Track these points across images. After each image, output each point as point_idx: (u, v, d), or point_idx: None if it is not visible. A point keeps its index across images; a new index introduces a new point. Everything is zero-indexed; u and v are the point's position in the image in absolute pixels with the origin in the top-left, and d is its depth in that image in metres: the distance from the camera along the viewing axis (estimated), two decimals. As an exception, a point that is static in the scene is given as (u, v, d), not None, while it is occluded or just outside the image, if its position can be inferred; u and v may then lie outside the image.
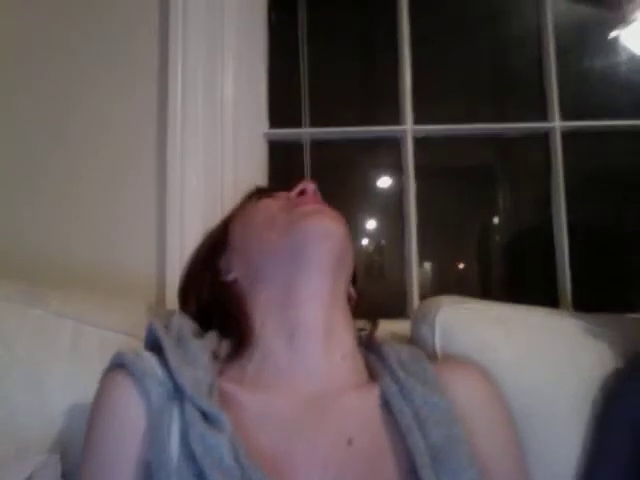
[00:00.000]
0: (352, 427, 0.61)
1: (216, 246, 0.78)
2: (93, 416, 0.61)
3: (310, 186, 0.75)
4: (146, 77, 1.18)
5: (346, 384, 0.66)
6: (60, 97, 1.18)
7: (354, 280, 0.79)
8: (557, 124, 1.30)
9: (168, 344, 0.63)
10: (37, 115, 1.18)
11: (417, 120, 1.31)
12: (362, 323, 0.78)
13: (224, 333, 0.70)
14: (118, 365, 0.62)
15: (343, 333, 0.69)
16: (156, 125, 1.16)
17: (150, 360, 0.62)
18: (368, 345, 0.75)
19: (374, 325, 0.78)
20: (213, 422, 0.55)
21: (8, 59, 1.19)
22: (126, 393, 0.60)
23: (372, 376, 0.68)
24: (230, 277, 0.74)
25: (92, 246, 1.14)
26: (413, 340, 0.84)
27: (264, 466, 0.54)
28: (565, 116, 1.31)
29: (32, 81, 1.19)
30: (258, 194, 0.80)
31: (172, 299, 0.82)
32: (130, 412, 0.59)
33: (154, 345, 0.65)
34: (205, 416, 0.56)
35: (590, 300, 1.25)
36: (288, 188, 0.78)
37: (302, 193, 0.76)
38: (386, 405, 0.64)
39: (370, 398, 0.65)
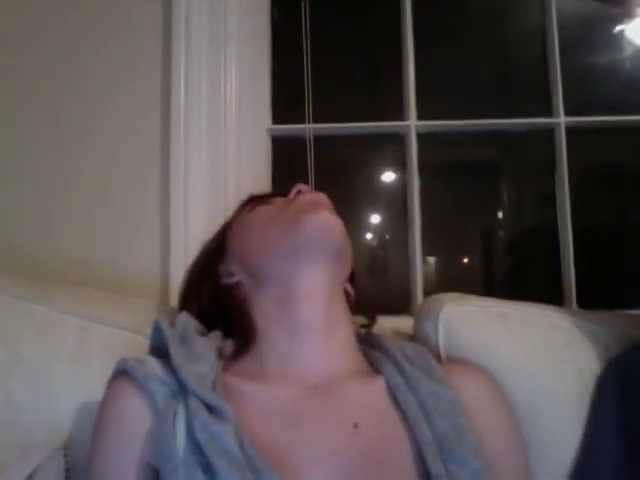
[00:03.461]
0: (357, 413, 0.62)
1: (214, 254, 0.78)
2: (98, 425, 0.61)
3: (305, 187, 0.76)
4: (149, 74, 1.18)
5: (348, 373, 0.66)
6: (66, 95, 1.19)
7: (352, 279, 0.79)
8: (562, 120, 1.30)
9: (173, 341, 0.64)
10: (46, 120, 1.18)
11: (420, 116, 1.30)
12: (361, 320, 0.79)
13: (228, 333, 0.71)
14: (121, 372, 0.62)
15: (342, 325, 0.70)
16: (159, 121, 1.16)
17: (153, 364, 0.62)
18: (368, 342, 0.75)
19: (372, 320, 0.79)
20: (217, 413, 0.56)
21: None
22: (130, 400, 0.60)
23: (375, 371, 0.69)
24: (233, 280, 0.74)
25: (96, 245, 1.14)
26: (416, 337, 0.85)
27: (270, 456, 0.54)
28: (570, 112, 1.30)
29: (42, 82, 1.20)
30: (254, 201, 0.81)
31: (176, 297, 0.82)
32: (135, 419, 0.59)
33: (160, 343, 0.65)
34: (209, 408, 0.56)
35: (594, 297, 1.25)
36: (283, 194, 0.78)
37: (298, 195, 0.76)
38: (391, 396, 0.64)
39: (375, 387, 0.65)
